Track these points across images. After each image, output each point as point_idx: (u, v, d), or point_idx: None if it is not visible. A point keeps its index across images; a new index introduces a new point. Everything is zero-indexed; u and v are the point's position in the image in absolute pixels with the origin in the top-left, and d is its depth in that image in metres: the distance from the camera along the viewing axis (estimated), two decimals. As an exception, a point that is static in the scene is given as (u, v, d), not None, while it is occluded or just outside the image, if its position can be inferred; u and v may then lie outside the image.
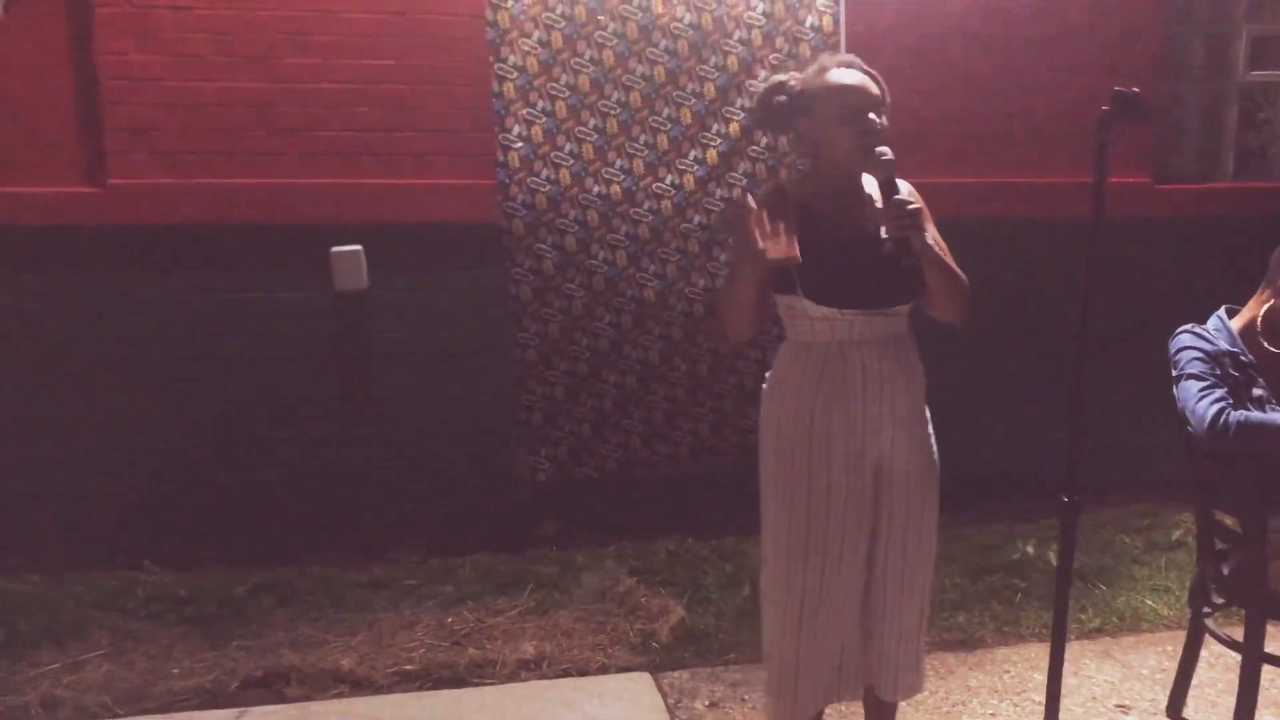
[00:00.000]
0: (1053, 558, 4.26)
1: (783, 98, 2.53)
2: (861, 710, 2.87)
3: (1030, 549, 4.41)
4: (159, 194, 4.19)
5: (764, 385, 2.64)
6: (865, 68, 2.53)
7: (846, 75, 2.48)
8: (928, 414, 2.61)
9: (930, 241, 2.41)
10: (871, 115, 2.44)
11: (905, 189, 2.46)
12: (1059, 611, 2.33)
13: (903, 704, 3.22)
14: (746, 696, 3.31)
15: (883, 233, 2.41)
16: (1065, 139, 4.92)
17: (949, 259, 2.47)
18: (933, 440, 2.61)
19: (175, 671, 3.46)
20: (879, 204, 2.43)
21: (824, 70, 2.50)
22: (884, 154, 2.38)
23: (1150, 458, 4.98)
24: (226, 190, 4.24)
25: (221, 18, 4.18)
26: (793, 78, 2.55)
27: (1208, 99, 5.33)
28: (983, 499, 4.86)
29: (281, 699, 3.33)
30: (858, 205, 2.50)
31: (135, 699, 3.28)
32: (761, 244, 2.32)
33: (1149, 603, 3.94)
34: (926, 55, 4.81)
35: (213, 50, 4.20)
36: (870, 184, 2.56)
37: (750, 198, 2.43)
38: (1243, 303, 2.95)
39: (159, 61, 4.15)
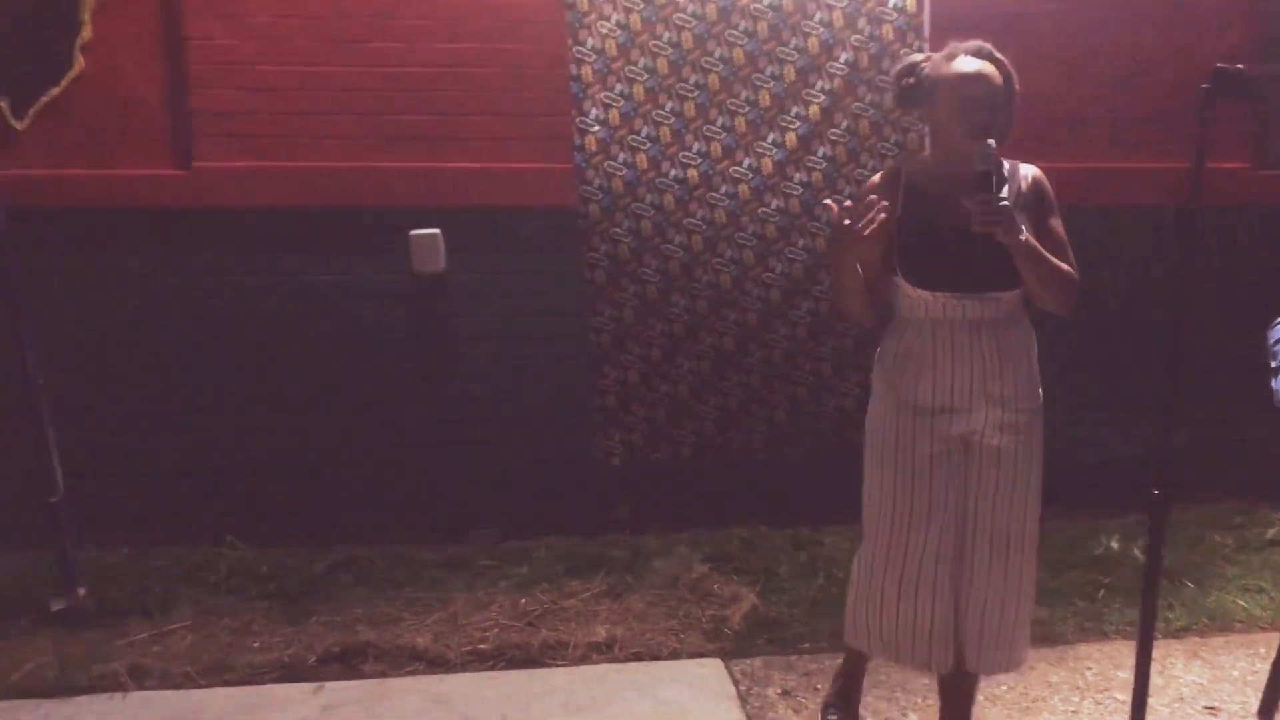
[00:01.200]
0: (1138, 553, 4.15)
1: (911, 79, 2.62)
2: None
3: (1114, 544, 4.29)
4: (242, 177, 4.27)
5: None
6: (995, 55, 2.57)
7: (970, 64, 2.53)
8: (1038, 398, 2.66)
9: (1024, 237, 2.43)
10: (985, 108, 2.48)
11: (1029, 176, 2.59)
12: (1146, 608, 2.26)
13: (982, 698, 3.18)
14: (820, 686, 3.27)
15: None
16: (1157, 123, 4.77)
17: (1046, 254, 2.49)
18: (1037, 424, 2.66)
19: (255, 645, 3.53)
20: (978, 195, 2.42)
21: (952, 56, 2.57)
22: (987, 148, 2.40)
23: (1246, 453, 4.81)
24: (309, 173, 4.30)
25: (307, 2, 4.23)
26: (927, 59, 2.63)
27: (1310, 81, 5.11)
28: (1066, 492, 4.73)
29: (358, 675, 3.37)
30: (963, 191, 2.49)
31: (217, 670, 3.35)
32: (850, 224, 2.39)
33: (1240, 603, 3.81)
34: (1013, 36, 4.66)
35: (298, 34, 4.26)
36: (1006, 170, 2.60)
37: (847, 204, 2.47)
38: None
39: (246, 45, 4.23)
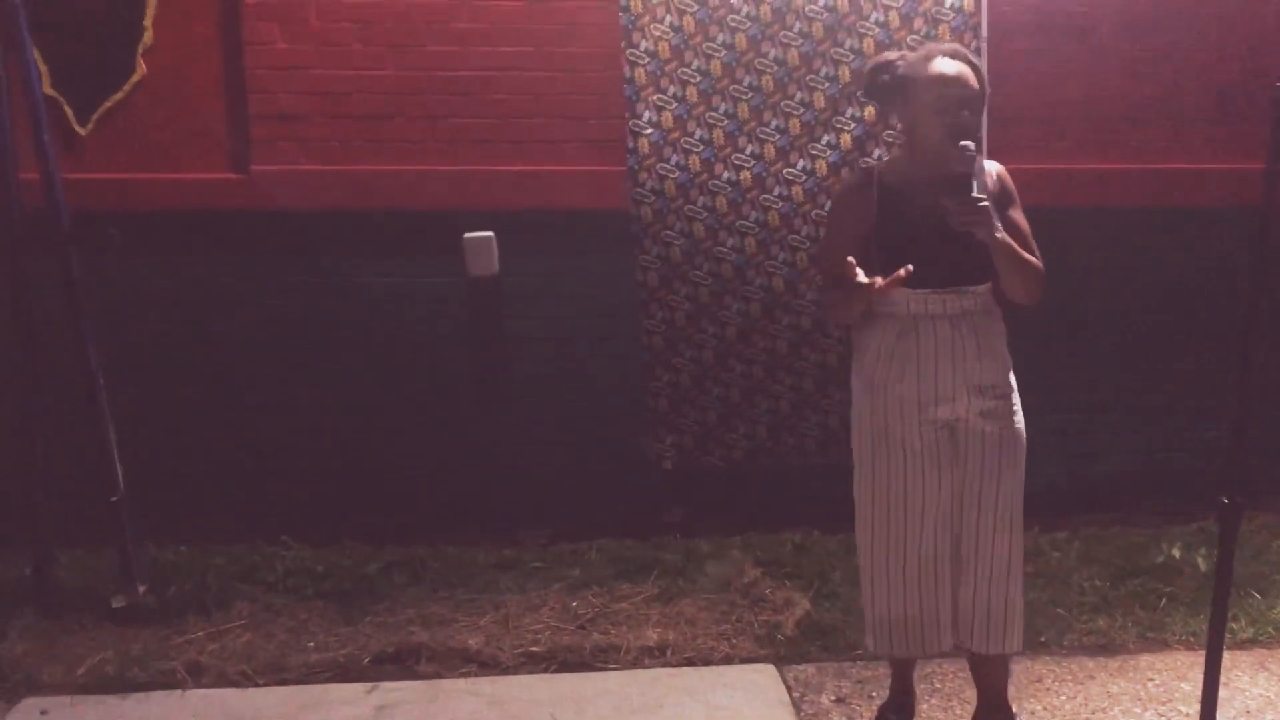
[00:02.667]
0: (1200, 562, 4.06)
1: (886, 77, 2.69)
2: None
3: (1176, 552, 4.20)
4: (300, 180, 4.31)
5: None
6: (971, 59, 2.65)
7: (948, 66, 2.60)
8: (1011, 383, 2.75)
9: (999, 235, 2.54)
10: (964, 110, 2.56)
11: (994, 173, 2.68)
12: (1217, 618, 2.21)
13: (1039, 708, 3.15)
14: (874, 693, 3.24)
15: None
16: (1217, 123, 4.67)
17: (1018, 248, 2.59)
18: (1016, 407, 2.75)
19: (311, 644, 3.56)
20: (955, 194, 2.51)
21: (929, 58, 2.63)
22: (966, 149, 2.48)
23: (1313, 460, 4.70)
24: (365, 176, 4.34)
25: (364, 6, 4.28)
26: (902, 58, 2.70)
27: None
28: (1126, 499, 4.66)
29: (412, 675, 3.38)
30: (941, 191, 2.57)
31: (273, 669, 3.38)
32: (862, 279, 2.50)
33: (1308, 613, 3.72)
34: (1071, 36, 4.62)
35: (355, 38, 4.30)
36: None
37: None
38: None
39: (303, 50, 4.28)
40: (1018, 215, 2.71)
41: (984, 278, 2.67)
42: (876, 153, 4.45)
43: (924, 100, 2.58)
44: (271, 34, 4.25)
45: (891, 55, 2.71)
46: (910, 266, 2.49)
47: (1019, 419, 2.75)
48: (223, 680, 3.32)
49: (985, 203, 2.49)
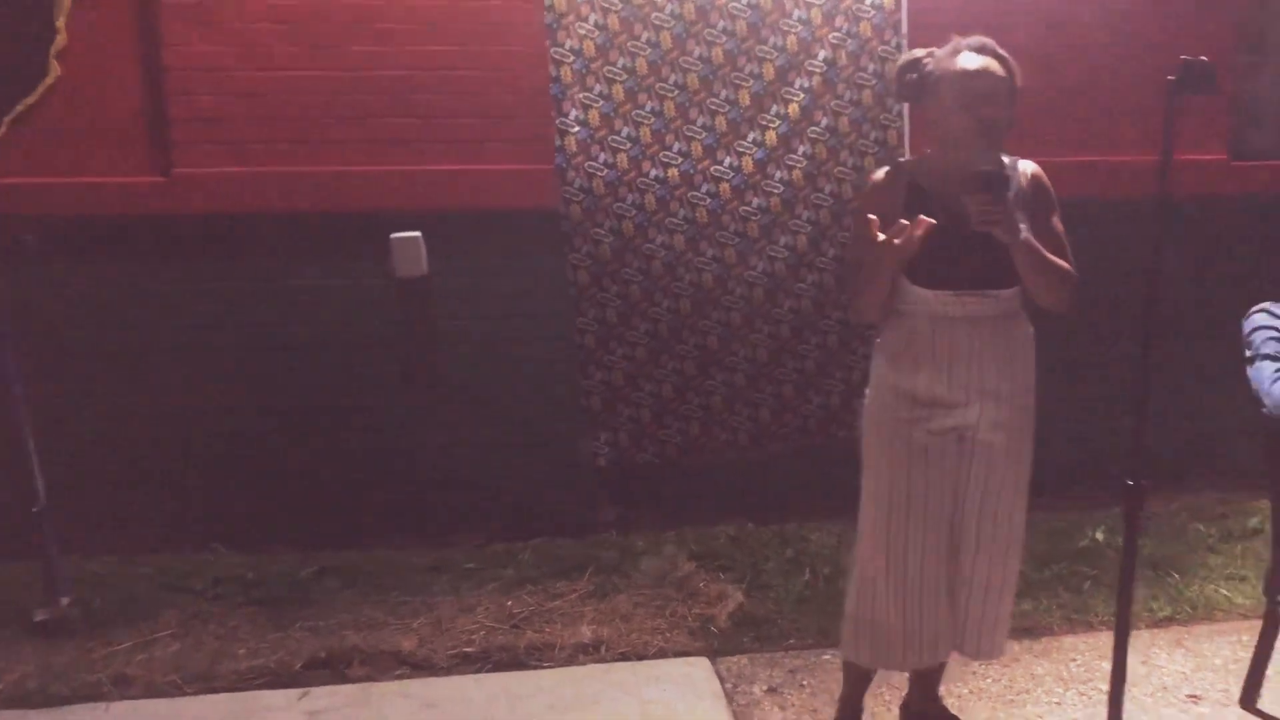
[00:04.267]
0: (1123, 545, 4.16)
1: (914, 75, 2.61)
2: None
3: (1100, 536, 4.31)
4: (224, 183, 4.25)
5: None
6: (998, 52, 2.57)
7: (972, 60, 2.52)
8: (1031, 395, 2.69)
9: (1023, 237, 2.44)
10: (988, 106, 2.48)
11: (1028, 172, 2.60)
12: (1123, 596, 2.28)
13: (965, 691, 3.20)
14: (805, 682, 3.28)
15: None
16: (1137, 116, 4.78)
17: (1044, 252, 2.50)
18: (1030, 421, 2.69)
19: (241, 652, 3.52)
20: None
21: (956, 52, 2.56)
22: (989, 148, 2.43)
23: (1229, 444, 4.83)
24: (290, 178, 4.29)
25: (286, 6, 4.22)
26: (930, 54, 2.61)
27: (1286, 71, 5.14)
28: (1051, 486, 4.75)
29: (344, 680, 3.36)
30: (965, 189, 2.48)
31: (203, 678, 3.34)
32: (884, 238, 2.42)
33: (1223, 591, 3.84)
34: (991, 32, 4.66)
35: (277, 39, 4.24)
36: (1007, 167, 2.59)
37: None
38: (1322, 281, 2.84)
39: (224, 51, 4.21)
40: (1053, 218, 2.62)
41: (1009, 281, 2.56)
42: (802, 149, 4.50)
43: (948, 96, 2.51)
44: (191, 34, 4.18)
45: (919, 53, 2.63)
46: (931, 220, 2.39)
47: (1031, 433, 2.69)
48: (150, 691, 3.28)
49: (1005, 203, 2.41)
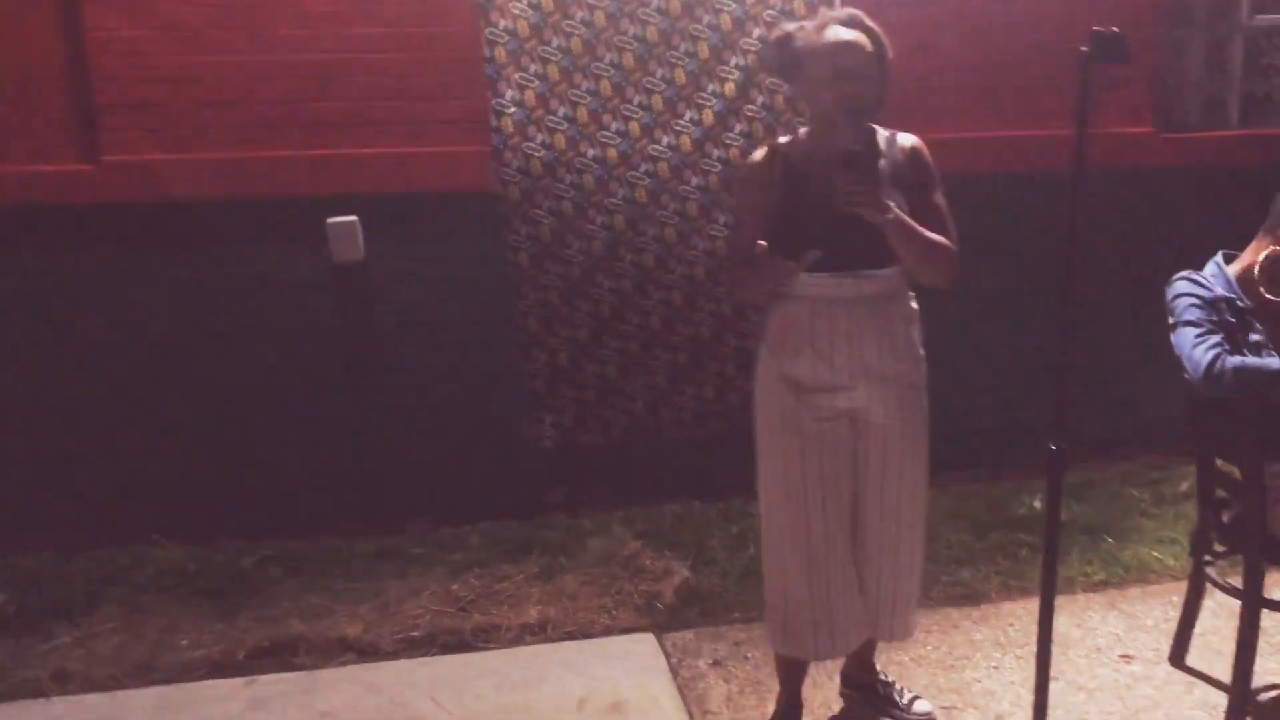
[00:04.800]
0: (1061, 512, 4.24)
1: (782, 51, 2.55)
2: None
3: (1037, 504, 4.39)
4: (153, 170, 4.18)
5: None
6: (868, 25, 2.51)
7: (840, 34, 2.47)
8: (921, 373, 2.66)
9: (892, 215, 2.39)
10: (855, 82, 2.43)
11: (906, 146, 2.56)
12: (1048, 557, 2.33)
13: (905, 659, 3.25)
14: (749, 655, 3.32)
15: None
16: (1063, 90, 4.84)
17: (918, 229, 2.46)
18: (920, 396, 2.67)
19: (184, 643, 3.50)
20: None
21: (823, 27, 2.50)
22: (858, 123, 2.42)
23: (1162, 410, 4.92)
24: (221, 164, 4.23)
25: (212, -10, 4.16)
26: (800, 29, 2.54)
27: (1212, 45, 5.24)
28: (988, 455, 4.84)
29: (289, 667, 3.35)
30: (834, 168, 2.45)
31: (144, 670, 3.32)
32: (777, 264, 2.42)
33: (1155, 554, 3.93)
34: (922, 6, 4.73)
35: (204, 23, 4.17)
36: (881, 142, 2.57)
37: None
38: (1244, 250, 2.91)
39: (150, 36, 4.13)
40: (933, 192, 2.57)
41: (889, 261, 2.52)
42: (739, 127, 4.51)
43: (816, 71, 2.47)
44: (115, 19, 4.09)
45: (790, 27, 2.57)
46: (818, 251, 2.37)
47: (924, 411, 2.67)
48: (91, 685, 3.25)
49: (871, 182, 2.37)
